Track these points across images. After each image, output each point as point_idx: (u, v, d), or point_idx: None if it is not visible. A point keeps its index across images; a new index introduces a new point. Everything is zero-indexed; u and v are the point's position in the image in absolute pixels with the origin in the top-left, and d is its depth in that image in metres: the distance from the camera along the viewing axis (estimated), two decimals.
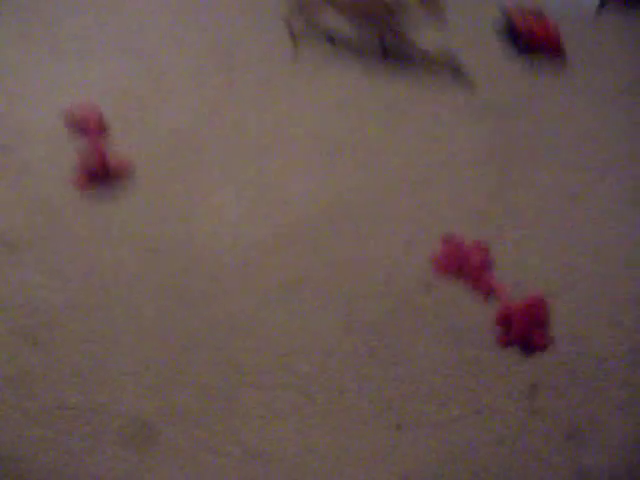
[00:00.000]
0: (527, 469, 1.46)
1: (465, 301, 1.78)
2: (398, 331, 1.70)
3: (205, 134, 2.24)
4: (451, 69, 2.50)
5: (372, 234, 1.94)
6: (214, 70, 2.52)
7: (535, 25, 2.57)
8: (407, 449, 1.47)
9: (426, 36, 2.54)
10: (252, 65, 2.57)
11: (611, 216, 2.02)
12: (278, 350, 1.63)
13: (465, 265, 1.82)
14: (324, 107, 2.34)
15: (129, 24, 2.73)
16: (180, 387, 1.53)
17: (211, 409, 1.50)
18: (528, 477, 1.45)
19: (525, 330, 1.67)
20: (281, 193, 2.05)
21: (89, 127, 2.14)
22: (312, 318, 1.71)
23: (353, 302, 1.75)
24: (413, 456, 1.45)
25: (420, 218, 1.99)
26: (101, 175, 2.00)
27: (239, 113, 2.34)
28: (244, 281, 1.78)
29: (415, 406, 1.54)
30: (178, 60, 2.55)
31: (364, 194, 2.05)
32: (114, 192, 2.00)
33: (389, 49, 2.57)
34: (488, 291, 1.78)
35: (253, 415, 1.50)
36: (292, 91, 2.42)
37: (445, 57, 2.50)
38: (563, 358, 1.68)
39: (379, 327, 1.70)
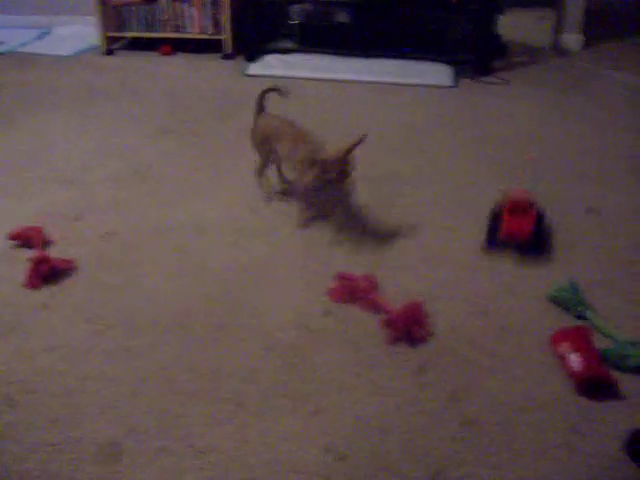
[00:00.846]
0: (423, 425, 1.84)
1: (359, 317, 2.22)
2: (308, 347, 2.10)
3: (133, 235, 2.70)
4: None
5: (278, 285, 2.40)
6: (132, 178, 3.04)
7: None
8: (325, 427, 1.83)
9: None
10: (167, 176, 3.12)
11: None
12: (215, 373, 2.00)
13: (356, 291, 2.27)
14: None
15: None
16: (138, 415, 1.87)
17: (165, 425, 1.84)
18: (425, 431, 1.82)
19: (406, 328, 2.10)
20: (202, 265, 2.50)
21: (33, 241, 2.56)
22: (238, 347, 2.11)
23: (270, 333, 2.16)
24: (330, 431, 1.81)
25: (311, 266, 2.49)
26: (48, 274, 2.39)
27: (158, 215, 2.83)
28: (179, 331, 2.18)
29: (329, 396, 1.92)
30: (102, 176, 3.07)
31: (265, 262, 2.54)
32: (61, 286, 2.39)
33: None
34: (375, 307, 2.22)
35: (199, 424, 1.84)
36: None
37: None
38: (442, 344, 2.11)
39: (293, 347, 2.11)
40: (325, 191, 2.59)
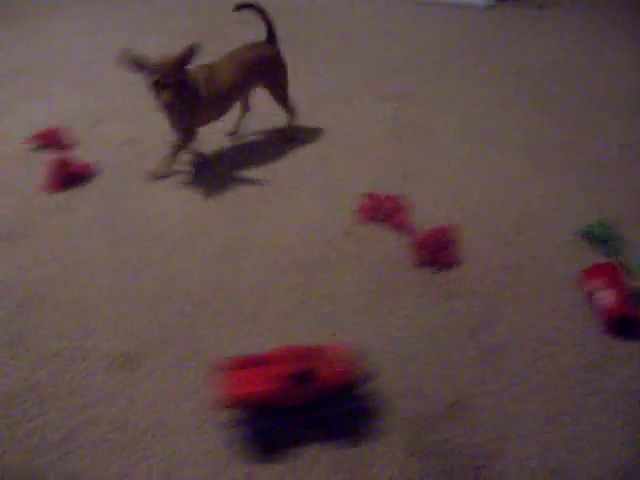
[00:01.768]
0: (446, 352, 1.80)
1: (384, 239, 2.16)
2: (329, 268, 2.05)
3: (152, 143, 2.62)
4: None
5: (299, 203, 2.34)
6: None
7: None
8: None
9: None
10: None
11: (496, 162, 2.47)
12: (232, 289, 1.96)
13: (383, 211, 2.21)
14: None
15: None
16: (152, 327, 1.84)
17: (180, 339, 1.81)
18: (447, 358, 1.79)
19: (433, 252, 2.05)
20: (219, 176, 2.42)
21: (52, 144, 2.49)
22: (257, 264, 2.06)
23: (291, 251, 2.11)
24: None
25: (338, 187, 2.41)
26: (67, 178, 2.33)
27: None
28: (193, 247, 2.13)
29: (349, 318, 1.88)
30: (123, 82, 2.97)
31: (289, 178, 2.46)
32: (79, 191, 2.34)
33: None
34: (402, 228, 2.16)
35: (214, 338, 1.81)
36: None
37: None
38: (469, 272, 2.05)
39: (313, 266, 2.06)
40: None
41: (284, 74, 2.55)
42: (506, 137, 2.73)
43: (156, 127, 2.70)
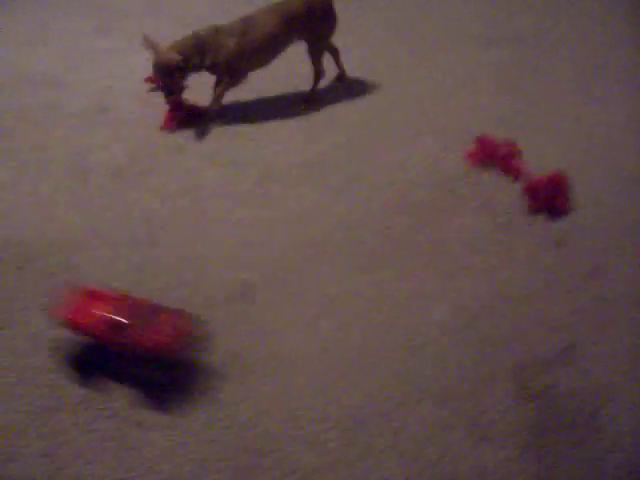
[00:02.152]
0: (557, 297, 1.79)
1: (498, 183, 2.14)
2: (443, 209, 2.06)
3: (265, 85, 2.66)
4: None
5: (414, 142, 2.33)
6: None
7: None
8: (458, 288, 1.81)
9: None
10: None
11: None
12: (349, 225, 2.00)
13: (495, 155, 2.18)
14: None
15: None
16: (271, 261, 1.90)
17: (298, 273, 1.86)
18: (559, 303, 1.78)
19: (548, 198, 2.02)
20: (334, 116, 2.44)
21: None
22: (372, 200, 2.10)
23: (405, 190, 2.13)
24: (463, 293, 1.80)
25: (452, 128, 2.39)
26: (184, 118, 2.40)
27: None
28: (312, 182, 2.17)
29: (461, 260, 1.89)
30: None
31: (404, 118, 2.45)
32: (196, 130, 2.41)
33: None
34: (516, 173, 2.13)
35: (332, 273, 1.86)
36: None
37: None
38: (584, 219, 2.02)
39: (427, 206, 2.07)
40: None
41: (332, 27, 2.45)
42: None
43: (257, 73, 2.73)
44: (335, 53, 2.60)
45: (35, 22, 3.17)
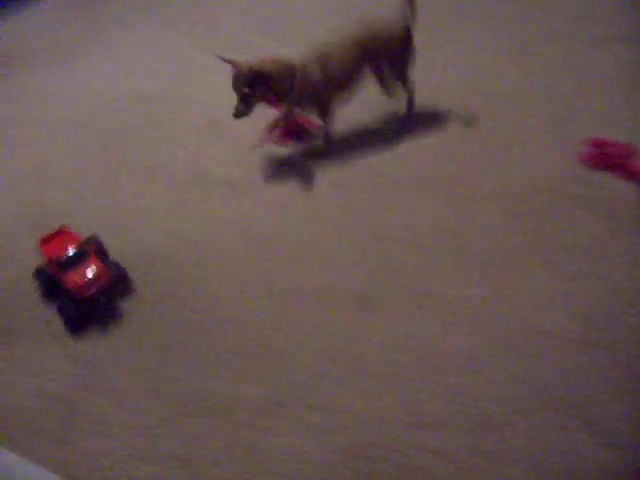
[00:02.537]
0: None
1: (614, 186, 2.09)
2: (558, 213, 2.03)
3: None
4: None
5: (527, 145, 2.31)
6: None
7: None
8: (577, 294, 1.78)
9: None
10: None
11: None
12: (460, 232, 2.01)
13: (612, 157, 2.12)
14: None
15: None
16: (386, 270, 1.93)
17: (413, 280, 1.88)
18: None
19: None
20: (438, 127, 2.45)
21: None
22: (484, 206, 2.09)
23: (518, 195, 2.11)
24: (583, 299, 1.76)
25: (564, 130, 2.35)
26: (295, 133, 2.47)
27: None
28: (428, 187, 2.18)
29: (581, 265, 1.85)
30: None
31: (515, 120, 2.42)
32: (308, 143, 2.48)
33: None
34: (633, 175, 2.07)
35: (446, 280, 1.87)
36: None
37: None
38: None
39: (541, 211, 2.04)
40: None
41: (409, 55, 2.32)
42: None
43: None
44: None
45: (141, 41, 3.35)
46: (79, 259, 1.92)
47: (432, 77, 2.66)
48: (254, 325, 1.82)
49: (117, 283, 1.95)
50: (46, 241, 2.00)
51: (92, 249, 1.97)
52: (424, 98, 2.52)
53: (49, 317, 1.93)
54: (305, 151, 2.44)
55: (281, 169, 2.39)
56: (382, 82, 2.36)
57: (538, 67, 2.72)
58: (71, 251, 1.93)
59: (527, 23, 3.05)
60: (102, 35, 3.70)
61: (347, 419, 1.56)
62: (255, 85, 2.08)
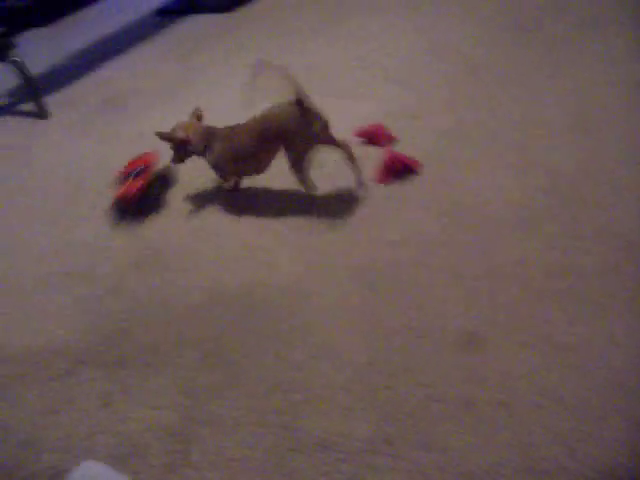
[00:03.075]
0: None
1: None
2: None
3: (472, 133, 2.69)
4: None
5: (627, 185, 2.25)
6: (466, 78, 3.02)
7: None
8: None
9: None
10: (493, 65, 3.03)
11: None
12: (573, 272, 1.95)
13: None
14: None
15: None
16: (496, 309, 1.89)
17: (524, 322, 1.84)
18: None
19: None
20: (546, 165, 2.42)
21: (378, 139, 2.67)
22: (589, 245, 2.03)
23: (626, 235, 2.04)
24: None
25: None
26: (398, 171, 2.49)
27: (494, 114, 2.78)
28: (529, 227, 2.14)
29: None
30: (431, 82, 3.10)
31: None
32: (409, 182, 2.49)
33: None
34: None
35: (560, 322, 1.81)
36: None
37: None
38: None
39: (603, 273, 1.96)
40: None
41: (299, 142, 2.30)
42: None
43: (469, 117, 2.77)
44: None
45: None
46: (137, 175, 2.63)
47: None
48: (358, 363, 1.82)
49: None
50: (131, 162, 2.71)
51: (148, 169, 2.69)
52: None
53: (159, 346, 1.98)
54: None
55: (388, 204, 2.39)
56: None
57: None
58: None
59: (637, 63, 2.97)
60: (204, 76, 3.85)
61: (459, 458, 1.53)
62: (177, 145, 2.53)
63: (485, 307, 1.91)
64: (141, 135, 3.32)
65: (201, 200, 2.66)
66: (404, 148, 2.62)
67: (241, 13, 4.88)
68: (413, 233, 2.24)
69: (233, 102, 3.31)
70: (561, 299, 1.88)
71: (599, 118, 2.61)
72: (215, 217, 2.56)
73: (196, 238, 2.47)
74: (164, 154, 2.66)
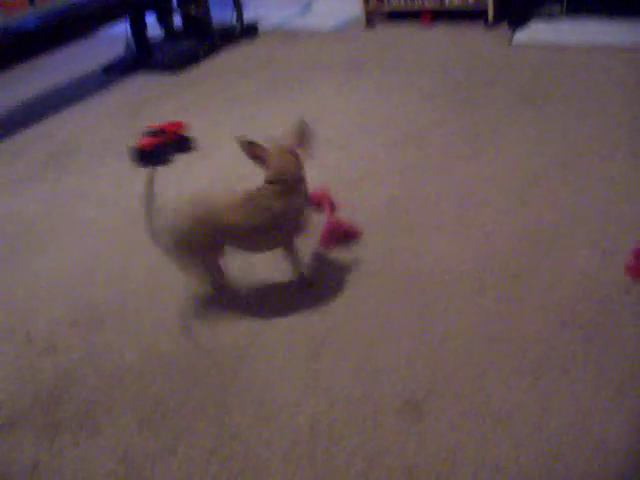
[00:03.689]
0: None
1: None
2: (608, 324, 2.01)
3: (414, 200, 2.77)
4: None
5: (570, 255, 2.32)
6: (407, 145, 3.11)
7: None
8: (632, 408, 1.75)
9: None
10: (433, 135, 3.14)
11: None
12: (513, 343, 1.99)
13: None
14: None
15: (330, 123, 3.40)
16: (437, 378, 1.92)
17: (464, 390, 1.86)
18: None
19: None
20: (481, 230, 2.50)
21: (323, 205, 2.70)
22: (533, 318, 2.08)
23: (566, 306, 2.10)
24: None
25: (610, 233, 2.39)
26: (339, 237, 2.53)
27: (436, 182, 2.87)
28: (475, 296, 2.19)
29: (631, 379, 1.83)
30: (374, 150, 3.17)
31: (555, 230, 2.46)
32: (352, 248, 2.52)
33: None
34: None
35: (498, 391, 1.85)
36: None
37: None
38: None
39: (591, 322, 2.03)
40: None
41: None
42: None
43: (411, 185, 2.85)
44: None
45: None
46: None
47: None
48: (299, 430, 1.81)
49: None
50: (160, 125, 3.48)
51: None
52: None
53: (94, 409, 1.93)
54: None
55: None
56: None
57: (580, 181, 2.76)
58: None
59: (566, 138, 3.12)
60: None
61: None
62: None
63: (425, 375, 1.93)
64: (82, 194, 3.29)
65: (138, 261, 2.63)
66: (346, 214, 2.66)
67: (186, 75, 4.94)
68: (354, 297, 2.26)
69: (175, 164, 3.32)
70: (500, 367, 1.92)
71: (534, 190, 2.72)
72: (154, 277, 2.53)
73: (135, 297, 2.44)
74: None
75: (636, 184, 2.67)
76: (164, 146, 3.44)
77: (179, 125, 3.57)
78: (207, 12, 5.38)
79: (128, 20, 5.26)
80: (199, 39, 5.45)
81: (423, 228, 2.59)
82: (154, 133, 3.46)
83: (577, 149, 3.01)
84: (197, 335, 2.21)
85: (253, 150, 2.13)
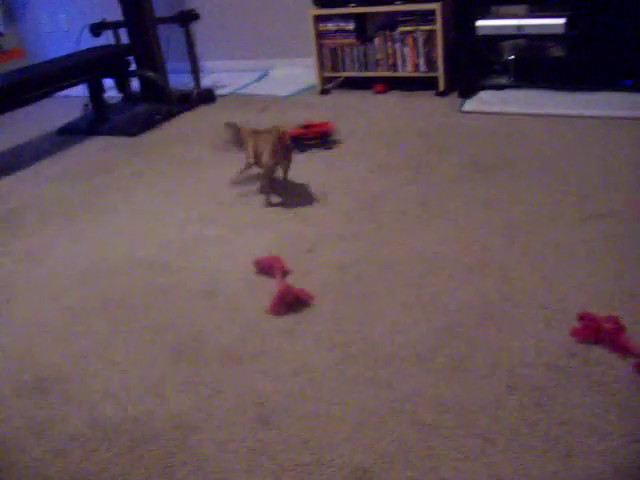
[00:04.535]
0: None
1: (607, 360, 2.12)
2: (554, 388, 2.04)
3: (366, 268, 2.79)
4: None
5: (517, 322, 2.35)
6: (360, 213, 3.15)
7: None
8: (578, 474, 1.76)
9: None
10: (388, 202, 3.19)
11: None
12: (460, 408, 2.00)
13: (601, 332, 2.17)
14: None
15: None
16: (385, 444, 1.91)
17: (412, 457, 1.86)
18: None
19: None
20: (432, 296, 2.52)
21: (274, 271, 2.72)
22: (480, 384, 2.10)
23: (513, 371, 2.12)
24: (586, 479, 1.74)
25: (555, 297, 2.43)
26: (291, 303, 2.53)
27: (389, 249, 2.91)
28: (423, 362, 2.20)
29: (581, 441, 1.84)
30: (328, 217, 3.20)
31: (501, 300, 2.50)
32: (303, 315, 2.52)
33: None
34: (624, 349, 2.12)
35: (447, 457, 1.85)
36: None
37: None
38: None
39: (538, 386, 2.05)
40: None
41: None
42: None
43: (366, 253, 2.88)
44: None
45: (141, 207, 3.48)
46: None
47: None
48: None
49: None
50: None
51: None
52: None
53: None
54: None
55: (279, 337, 2.41)
56: None
57: (526, 246, 2.82)
58: None
59: (514, 204, 3.21)
60: (103, 198, 3.85)
61: None
62: None
63: (374, 442, 1.91)
64: (30, 256, 3.25)
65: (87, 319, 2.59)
66: (298, 281, 2.68)
67: (142, 139, 4.98)
68: (304, 366, 2.25)
69: (130, 228, 3.31)
70: (449, 434, 1.91)
71: (481, 256, 2.78)
72: (100, 340, 2.49)
73: (82, 363, 2.39)
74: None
75: (581, 249, 2.74)
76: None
77: None
78: (165, 77, 5.46)
79: (86, 83, 5.30)
80: (156, 103, 5.50)
81: (375, 295, 2.60)
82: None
83: (523, 214, 3.08)
84: (144, 402, 2.16)
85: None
